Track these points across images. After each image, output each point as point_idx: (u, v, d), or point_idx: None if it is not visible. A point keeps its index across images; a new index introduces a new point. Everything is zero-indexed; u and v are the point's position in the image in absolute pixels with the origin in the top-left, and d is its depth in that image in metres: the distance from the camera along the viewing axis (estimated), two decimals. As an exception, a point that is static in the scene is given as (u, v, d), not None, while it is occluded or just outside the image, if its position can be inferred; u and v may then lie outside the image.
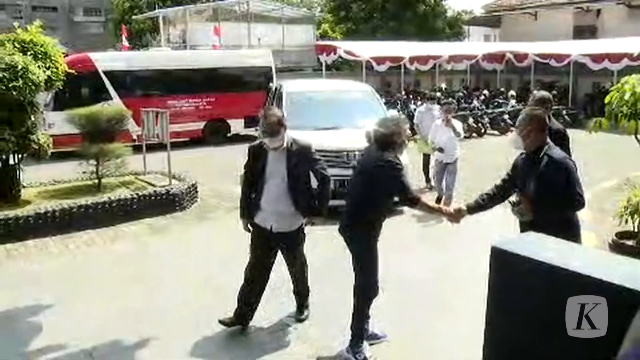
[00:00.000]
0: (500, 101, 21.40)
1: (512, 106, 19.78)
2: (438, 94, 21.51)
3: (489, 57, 25.01)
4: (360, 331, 4.52)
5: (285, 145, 4.81)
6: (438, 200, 8.94)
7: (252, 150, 5.02)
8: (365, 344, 4.62)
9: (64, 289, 6.14)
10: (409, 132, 6.74)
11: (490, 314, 2.85)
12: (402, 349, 4.83)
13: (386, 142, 4.47)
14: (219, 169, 12.65)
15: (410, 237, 7.86)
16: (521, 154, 4.43)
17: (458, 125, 9.42)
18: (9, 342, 5.04)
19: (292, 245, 5.08)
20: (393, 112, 11.25)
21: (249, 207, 5.03)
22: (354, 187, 4.91)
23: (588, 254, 2.69)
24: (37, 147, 8.68)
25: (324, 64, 25.03)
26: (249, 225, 5.09)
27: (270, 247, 5.03)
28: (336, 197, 8.44)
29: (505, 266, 2.72)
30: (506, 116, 19.24)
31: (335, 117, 9.86)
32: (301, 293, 5.37)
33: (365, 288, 4.58)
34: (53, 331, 5.18)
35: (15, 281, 6.38)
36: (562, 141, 4.90)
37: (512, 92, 21.97)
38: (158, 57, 18.29)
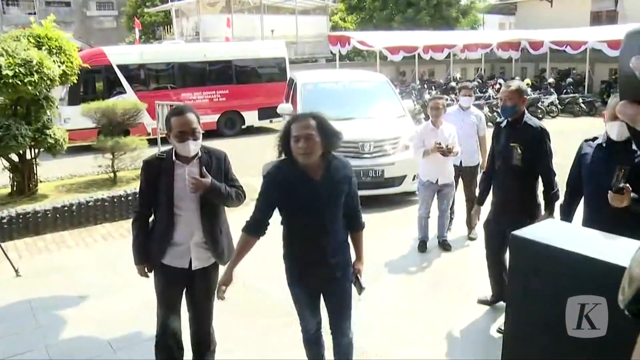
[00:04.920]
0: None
1: (527, 95, 19.51)
2: (453, 83, 21.39)
3: (504, 45, 24.81)
4: None
5: (199, 153, 3.71)
6: None
7: (150, 166, 3.76)
8: None
9: (84, 281, 6.18)
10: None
11: (511, 298, 2.92)
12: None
13: None
14: (233, 161, 12.57)
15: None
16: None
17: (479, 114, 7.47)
18: (33, 333, 5.08)
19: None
20: (408, 102, 11.20)
21: (142, 248, 3.80)
22: None
23: (609, 241, 2.64)
24: (53, 142, 8.72)
25: (337, 55, 24.95)
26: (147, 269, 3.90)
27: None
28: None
29: (523, 253, 2.70)
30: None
31: (350, 108, 9.82)
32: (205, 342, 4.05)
33: None
34: (76, 322, 5.22)
35: (36, 274, 6.43)
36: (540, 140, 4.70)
37: (528, 80, 21.76)
38: (171, 50, 18.35)
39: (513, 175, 4.77)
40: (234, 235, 3.93)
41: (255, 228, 3.43)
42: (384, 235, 7.39)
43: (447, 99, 7.14)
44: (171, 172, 3.63)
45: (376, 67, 21.34)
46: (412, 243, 6.95)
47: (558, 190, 4.64)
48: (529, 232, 2.77)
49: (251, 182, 10.55)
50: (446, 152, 6.46)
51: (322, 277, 3.50)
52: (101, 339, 4.93)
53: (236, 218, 3.89)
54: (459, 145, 6.72)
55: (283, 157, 3.35)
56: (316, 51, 29.93)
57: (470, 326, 4.97)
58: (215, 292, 3.50)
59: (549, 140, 4.68)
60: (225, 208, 3.92)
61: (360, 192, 8.57)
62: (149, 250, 3.77)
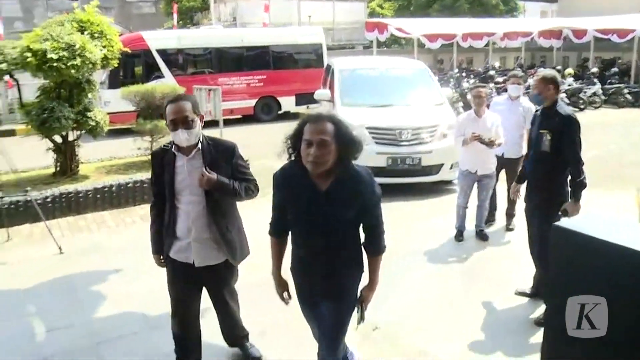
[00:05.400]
0: (556, 79, 20.74)
1: (569, 85, 19.08)
2: (492, 72, 21.09)
3: (545, 33, 24.31)
4: None
5: (200, 145, 3.53)
6: None
7: (156, 157, 3.70)
8: None
9: (123, 260, 6.32)
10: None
11: (551, 290, 2.92)
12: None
13: None
14: (270, 146, 12.59)
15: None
16: None
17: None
18: (74, 308, 5.23)
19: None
20: (447, 90, 11.08)
21: (159, 237, 3.76)
22: None
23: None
24: (94, 124, 8.88)
25: (374, 42, 24.76)
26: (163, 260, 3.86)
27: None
28: (387, 175, 8.48)
29: (565, 244, 2.66)
30: (563, 95, 18.65)
31: (388, 95, 9.77)
32: (237, 335, 4.19)
33: None
34: (114, 299, 5.35)
35: (77, 251, 6.58)
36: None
37: (570, 70, 21.26)
38: (209, 35, 18.47)
39: (542, 161, 4.79)
40: (254, 231, 3.99)
41: (275, 229, 3.26)
42: (420, 223, 7.37)
43: (488, 87, 6.70)
44: (172, 163, 3.53)
45: (414, 55, 21.13)
46: (448, 232, 6.90)
47: (585, 178, 4.59)
48: (570, 223, 2.73)
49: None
50: (487, 143, 6.35)
51: (318, 294, 3.20)
52: (137, 316, 5.04)
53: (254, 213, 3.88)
54: (503, 136, 6.56)
55: (292, 158, 3.00)
56: (353, 38, 29.80)
57: (508, 317, 4.92)
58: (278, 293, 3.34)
59: (579, 129, 4.64)
60: (238, 203, 3.78)
61: (397, 180, 8.65)
62: (162, 240, 3.74)
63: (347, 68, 10.68)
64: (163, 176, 3.56)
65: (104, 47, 8.83)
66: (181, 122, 3.37)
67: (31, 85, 10.19)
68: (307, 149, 2.80)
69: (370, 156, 8.51)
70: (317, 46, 18.77)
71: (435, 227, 7.23)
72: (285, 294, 3.32)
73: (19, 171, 7.32)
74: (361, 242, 3.15)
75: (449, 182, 9.05)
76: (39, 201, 7.34)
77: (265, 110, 18.03)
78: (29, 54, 7.92)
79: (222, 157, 3.55)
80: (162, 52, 16.64)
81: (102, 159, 10.29)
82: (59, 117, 8.21)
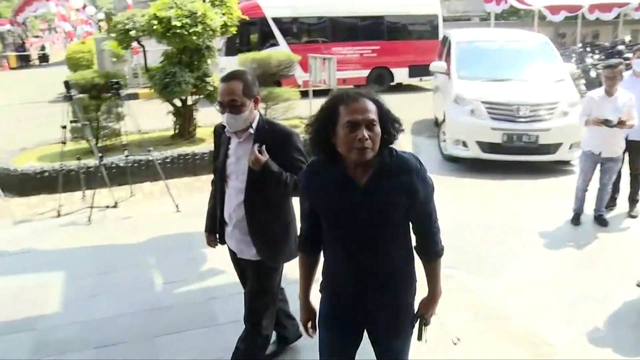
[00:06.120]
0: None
1: None
2: (621, 46, 19.71)
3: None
4: None
5: (252, 130, 3.17)
6: None
7: (216, 133, 3.44)
8: None
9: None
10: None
11: None
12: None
13: None
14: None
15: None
16: None
17: None
18: (188, 264, 5.52)
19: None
20: (570, 66, 10.50)
21: (213, 215, 3.51)
22: None
23: None
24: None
25: (492, 14, 23.79)
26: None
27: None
28: (503, 152, 8.22)
29: None
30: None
31: (506, 69, 9.41)
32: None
33: None
34: (226, 260, 5.52)
35: (193, 211, 6.86)
36: None
37: None
38: (325, 4, 18.43)
39: None
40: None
41: (305, 243, 2.64)
42: (535, 203, 7.11)
43: (623, 64, 6.05)
44: (227, 144, 3.26)
45: (533, 28, 20.12)
46: (565, 214, 6.58)
47: None
48: None
49: (399, 140, 10.53)
50: (616, 125, 5.92)
51: (359, 320, 2.56)
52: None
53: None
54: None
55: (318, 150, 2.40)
56: (469, 9, 28.84)
57: (627, 310, 4.62)
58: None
59: None
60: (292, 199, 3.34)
61: (512, 157, 8.38)
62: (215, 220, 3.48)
63: (465, 40, 10.38)
64: (219, 153, 3.32)
65: (223, 14, 9.09)
66: (227, 105, 3.05)
67: (154, 52, 10.67)
68: (351, 133, 2.21)
69: (485, 131, 8.30)
70: (432, 17, 18.31)
71: (550, 208, 6.93)
72: (309, 325, 2.71)
73: (142, 132, 7.72)
74: (412, 246, 2.53)
75: (567, 163, 8.62)
76: (159, 161, 7.72)
77: (378, 81, 17.89)
78: (155, 22, 8.31)
79: (275, 144, 3.12)
80: (278, 21, 16.86)
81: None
82: (179, 81, 8.57)
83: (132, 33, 8.72)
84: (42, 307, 4.79)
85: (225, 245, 3.46)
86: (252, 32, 16.84)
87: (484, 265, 5.37)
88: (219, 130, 3.35)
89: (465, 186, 7.87)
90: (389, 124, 2.31)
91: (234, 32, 9.88)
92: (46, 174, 7.91)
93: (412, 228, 2.50)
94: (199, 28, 8.39)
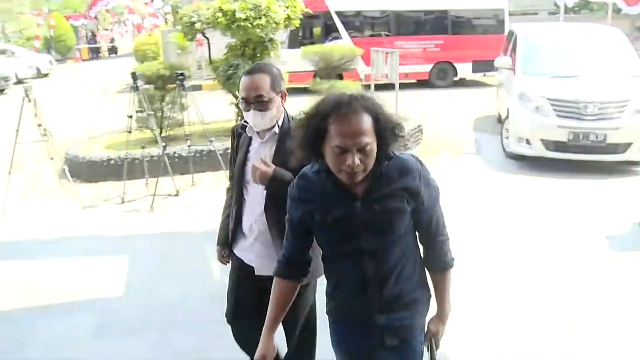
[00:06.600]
0: None
1: None
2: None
3: None
4: None
5: (277, 128, 2.81)
6: None
7: (235, 133, 3.01)
8: None
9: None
10: None
11: None
12: None
13: None
14: (444, 113, 12.51)
15: None
16: None
17: None
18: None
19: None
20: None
21: (226, 227, 3.07)
22: None
23: None
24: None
25: (561, 7, 23.04)
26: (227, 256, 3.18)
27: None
28: (568, 151, 7.97)
29: None
30: None
31: (575, 64, 9.11)
32: None
33: None
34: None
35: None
36: None
37: None
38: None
39: None
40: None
41: (285, 266, 2.31)
42: (599, 205, 6.85)
43: None
44: (247, 145, 2.88)
45: (607, 21, 19.39)
46: (632, 217, 6.33)
47: None
48: None
49: (461, 137, 10.39)
50: None
51: (367, 343, 2.26)
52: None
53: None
54: None
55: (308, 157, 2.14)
56: (537, 3, 28.04)
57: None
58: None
59: None
60: None
61: (578, 156, 8.11)
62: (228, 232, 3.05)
63: (531, 35, 10.10)
64: (239, 156, 2.92)
65: (287, 7, 9.12)
66: (253, 101, 2.69)
67: (218, 44, 10.83)
68: (339, 157, 1.97)
69: (550, 129, 8.07)
70: (498, 11, 17.88)
71: (617, 210, 6.67)
72: None
73: (204, 123, 7.86)
74: (421, 257, 2.30)
75: (637, 163, 8.29)
76: (220, 152, 7.84)
77: (441, 76, 17.65)
78: (219, 14, 8.43)
79: None
80: (341, 14, 16.83)
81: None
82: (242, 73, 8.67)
83: (197, 25, 8.87)
84: (105, 290, 4.96)
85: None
86: (315, 26, 16.91)
87: (544, 268, 5.21)
88: (238, 131, 2.95)
89: (528, 185, 7.67)
90: (388, 133, 2.03)
91: (297, 25, 9.91)
92: (112, 161, 8.18)
93: (418, 238, 2.27)
94: (263, 21, 8.46)
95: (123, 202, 7.23)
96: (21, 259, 5.72)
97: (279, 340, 2.60)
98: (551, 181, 7.74)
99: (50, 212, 7.13)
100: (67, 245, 6.03)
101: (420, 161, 2.16)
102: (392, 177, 2.09)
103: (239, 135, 2.93)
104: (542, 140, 8.16)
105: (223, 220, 3.12)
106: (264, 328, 2.33)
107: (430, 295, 2.33)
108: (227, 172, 3.19)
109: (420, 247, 2.28)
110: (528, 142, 8.32)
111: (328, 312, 2.36)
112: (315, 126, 2.00)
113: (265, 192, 2.72)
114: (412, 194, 2.10)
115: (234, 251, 2.99)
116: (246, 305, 2.98)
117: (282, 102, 2.81)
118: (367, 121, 1.96)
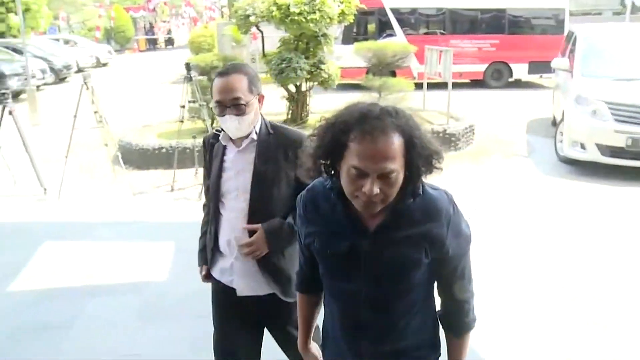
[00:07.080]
0: None
1: None
2: None
3: None
4: None
5: (254, 135, 2.52)
6: None
7: (207, 144, 2.69)
8: None
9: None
10: None
11: None
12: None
13: None
14: (497, 114, 12.28)
15: None
16: None
17: None
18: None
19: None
20: None
21: (205, 246, 2.75)
22: None
23: None
24: (326, 76, 9.26)
25: (628, 6, 22.18)
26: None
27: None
28: (626, 157, 7.71)
29: None
30: None
31: (637, 67, 8.79)
32: None
33: None
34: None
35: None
36: None
37: None
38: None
39: None
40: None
41: (303, 281, 2.06)
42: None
43: None
44: (222, 155, 2.58)
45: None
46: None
47: None
48: None
49: (513, 139, 10.19)
50: None
51: None
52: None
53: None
54: None
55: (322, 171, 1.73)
56: (601, 3, 27.17)
57: None
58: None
59: None
60: None
61: (636, 163, 7.81)
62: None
63: (592, 36, 9.80)
64: (210, 169, 2.64)
65: (341, 2, 9.12)
66: (229, 105, 2.40)
67: (272, 38, 10.91)
68: (355, 181, 1.58)
69: (607, 134, 7.82)
70: (558, 11, 17.40)
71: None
72: None
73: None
74: (436, 311, 1.91)
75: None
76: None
77: (496, 76, 17.33)
78: (274, 8, 8.49)
79: (283, 152, 2.50)
80: (396, 11, 16.72)
81: (330, 111, 10.73)
82: (295, 67, 8.72)
83: (252, 19, 8.95)
84: (150, 275, 5.07)
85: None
86: (369, 22, 16.88)
87: (590, 276, 5.04)
88: (210, 141, 2.65)
89: (579, 190, 7.45)
90: (422, 162, 1.59)
91: (352, 21, 9.90)
92: (163, 150, 8.35)
93: (437, 289, 1.86)
94: (317, 15, 8.48)
95: (172, 190, 7.37)
96: (74, 239, 5.91)
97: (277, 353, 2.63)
98: (604, 188, 7.50)
99: (102, 196, 7.34)
100: (117, 228, 6.20)
101: (454, 203, 1.75)
102: (415, 218, 1.69)
103: (211, 146, 2.63)
104: (597, 145, 7.91)
105: (201, 241, 2.79)
106: (300, 344, 2.15)
107: (440, 355, 1.92)
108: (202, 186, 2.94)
109: (437, 298, 1.89)
110: (583, 146, 8.08)
111: (323, 346, 2.05)
112: (334, 138, 1.62)
113: (246, 204, 2.51)
114: (434, 244, 1.70)
115: (212, 274, 2.69)
116: (229, 329, 2.71)
117: (259, 106, 2.52)
118: (397, 143, 1.55)
